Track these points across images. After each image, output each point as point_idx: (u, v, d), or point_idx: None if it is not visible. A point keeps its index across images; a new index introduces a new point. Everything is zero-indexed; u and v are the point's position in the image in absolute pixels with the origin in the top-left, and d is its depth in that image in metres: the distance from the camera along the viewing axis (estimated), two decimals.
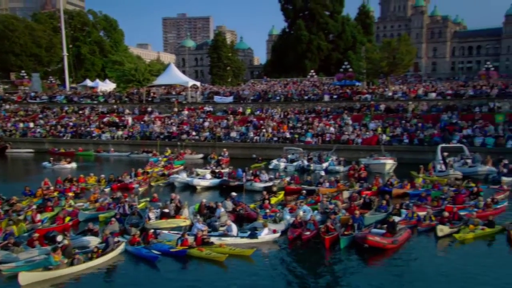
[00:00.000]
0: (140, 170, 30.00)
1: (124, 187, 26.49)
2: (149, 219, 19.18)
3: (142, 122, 48.30)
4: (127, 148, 44.35)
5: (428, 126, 38.11)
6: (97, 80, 74.74)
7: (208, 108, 49.97)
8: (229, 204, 20.91)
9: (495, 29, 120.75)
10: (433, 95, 44.35)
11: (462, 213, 19.28)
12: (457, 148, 32.80)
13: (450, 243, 17.02)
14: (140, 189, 27.02)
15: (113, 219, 18.42)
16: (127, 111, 51.98)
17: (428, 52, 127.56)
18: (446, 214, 18.68)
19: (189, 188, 27.56)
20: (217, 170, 30.35)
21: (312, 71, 77.80)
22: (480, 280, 13.76)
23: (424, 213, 19.27)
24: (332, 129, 40.21)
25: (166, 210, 19.81)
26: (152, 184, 28.57)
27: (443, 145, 32.92)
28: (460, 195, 22.07)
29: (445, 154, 31.30)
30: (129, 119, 49.06)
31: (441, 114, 40.03)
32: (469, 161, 30.80)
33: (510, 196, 23.80)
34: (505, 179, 27.38)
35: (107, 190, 26.15)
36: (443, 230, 17.47)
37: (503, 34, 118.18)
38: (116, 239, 16.31)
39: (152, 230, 17.32)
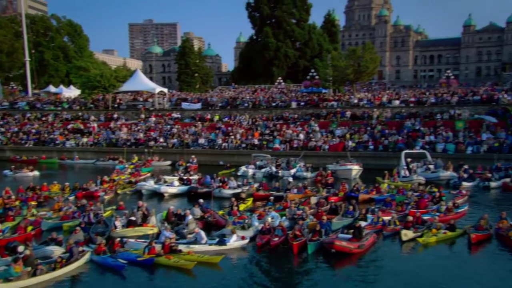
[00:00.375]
0: (106, 178, 29.42)
1: (89, 195, 25.90)
2: (115, 227, 18.82)
3: (108, 129, 47.43)
4: (93, 155, 43.41)
5: (392, 132, 39.10)
6: (61, 86, 73.02)
7: (175, 114, 49.61)
8: (198, 211, 20.81)
9: (455, 39, 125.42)
10: (397, 102, 45.63)
11: (425, 217, 19.86)
12: (420, 154, 33.80)
13: (414, 247, 17.47)
14: (106, 197, 26.50)
15: (78, 228, 17.99)
16: (92, 117, 50.94)
17: (392, 60, 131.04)
18: (410, 218, 19.19)
19: (157, 195, 27.24)
20: (185, 177, 30.13)
21: (279, 78, 78.56)
22: (442, 282, 14.17)
23: (389, 217, 19.75)
24: (301, 135, 40.66)
25: (133, 218, 19.52)
26: (119, 192, 28.09)
27: (407, 151, 33.82)
28: (423, 200, 22.74)
29: (409, 160, 32.22)
30: (95, 126, 48.07)
31: (404, 121, 41.18)
32: (431, 166, 31.80)
33: (470, 200, 24.72)
34: (465, 184, 28.47)
35: (72, 198, 25.52)
36: (407, 234, 17.94)
37: (462, 43, 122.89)
38: (81, 248, 15.95)
39: (118, 239, 17.02)
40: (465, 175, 29.86)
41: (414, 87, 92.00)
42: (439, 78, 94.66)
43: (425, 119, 41.14)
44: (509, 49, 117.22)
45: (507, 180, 28.45)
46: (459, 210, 21.66)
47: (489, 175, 29.33)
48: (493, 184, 28.38)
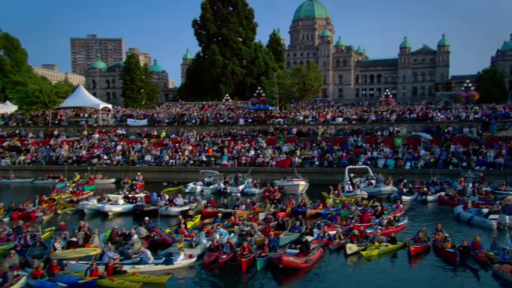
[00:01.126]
0: (45, 197, 28.16)
1: (26, 216, 24.60)
2: (55, 249, 17.93)
3: (47, 146, 45.41)
4: (31, 173, 41.38)
5: (336, 148, 40.28)
6: None
7: (120, 131, 48.45)
8: (143, 230, 20.28)
9: (392, 60, 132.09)
10: (340, 119, 47.23)
11: (368, 231, 20.53)
12: (363, 169, 35.08)
13: (358, 260, 17.96)
14: (44, 217, 25.23)
15: (13, 251, 16.97)
16: (30, 134, 48.65)
17: (335, 79, 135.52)
18: (354, 232, 19.76)
19: (100, 214, 26.33)
20: (130, 195, 29.35)
21: (227, 95, 78.97)
22: None
23: (334, 232, 20.22)
24: (252, 152, 40.91)
25: (74, 239, 18.71)
26: (59, 211, 26.90)
27: (350, 166, 34.97)
28: (366, 214, 23.52)
29: (352, 175, 33.28)
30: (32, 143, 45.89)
31: (347, 137, 42.62)
32: (373, 181, 33.04)
33: (409, 214, 25.85)
34: (404, 198, 29.79)
35: (6, 219, 24.04)
36: (351, 248, 18.44)
37: (398, 64, 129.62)
38: (15, 272, 15.00)
39: (57, 261, 16.21)
40: (405, 189, 31.27)
41: (356, 105, 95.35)
42: (379, 97, 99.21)
43: (367, 136, 42.82)
44: (441, 71, 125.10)
45: (442, 194, 30.11)
46: (400, 224, 22.57)
47: (426, 189, 30.95)
48: (429, 197, 29.95)
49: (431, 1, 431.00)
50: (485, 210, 23.68)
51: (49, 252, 17.79)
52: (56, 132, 48.70)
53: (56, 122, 51.87)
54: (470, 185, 31.23)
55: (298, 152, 40.14)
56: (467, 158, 36.53)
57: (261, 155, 40.28)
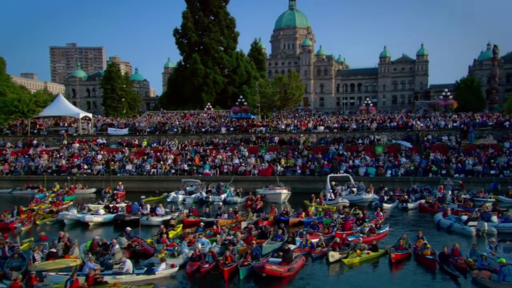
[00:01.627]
0: (23, 208, 27.61)
1: (4, 227, 24.04)
2: (34, 260, 17.58)
3: (26, 156, 44.61)
4: (9, 184, 40.50)
5: (318, 157, 40.56)
6: None
7: (101, 140, 47.94)
8: (124, 240, 20.08)
9: (373, 69, 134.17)
10: (322, 128, 47.61)
11: (350, 238, 20.70)
12: (344, 177, 35.40)
13: (340, 268, 18.07)
14: (23, 228, 24.77)
15: None
16: (9, 144, 47.76)
17: (316, 88, 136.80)
18: (337, 240, 19.90)
19: (81, 225, 26.00)
20: (111, 205, 29.00)
21: (208, 104, 78.89)
22: None
23: (316, 240, 20.32)
24: (236, 160, 40.89)
25: (54, 250, 18.39)
26: (38, 222, 26.44)
27: (332, 175, 35.25)
28: (348, 222, 23.72)
29: (333, 183, 33.53)
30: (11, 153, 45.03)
31: (329, 146, 42.96)
32: (354, 189, 33.36)
33: (390, 221, 26.16)
34: (386, 205, 30.14)
35: None
36: (334, 256, 18.56)
37: (379, 73, 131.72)
38: None
39: (36, 273, 15.90)
40: (386, 197, 31.65)
41: (337, 113, 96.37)
42: (360, 105, 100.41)
43: (348, 144, 43.25)
44: (420, 79, 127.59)
45: (422, 201, 30.58)
46: (381, 231, 22.82)
47: (406, 197, 31.39)
48: (410, 205, 30.36)
49: (410, 11, 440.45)
50: (464, 217, 24.11)
51: (28, 264, 17.43)
52: (35, 142, 47.95)
53: (35, 131, 51.05)
54: (450, 192, 31.76)
55: (282, 160, 40.29)
56: (446, 165, 37.20)
57: (243, 164, 40.30)
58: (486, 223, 22.83)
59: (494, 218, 23.52)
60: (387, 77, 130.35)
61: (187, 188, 35.83)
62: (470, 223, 23.28)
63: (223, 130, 48.92)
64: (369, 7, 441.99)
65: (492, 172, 35.71)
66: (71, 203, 31.88)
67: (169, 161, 41.50)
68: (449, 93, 59.93)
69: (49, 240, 19.95)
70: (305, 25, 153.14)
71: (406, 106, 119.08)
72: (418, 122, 46.36)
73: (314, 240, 20.31)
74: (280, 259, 17.41)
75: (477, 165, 36.64)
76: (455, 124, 45.30)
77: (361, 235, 21.44)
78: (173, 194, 34.46)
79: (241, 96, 60.66)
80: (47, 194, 34.46)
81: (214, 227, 22.73)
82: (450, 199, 30.36)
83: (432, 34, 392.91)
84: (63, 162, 42.59)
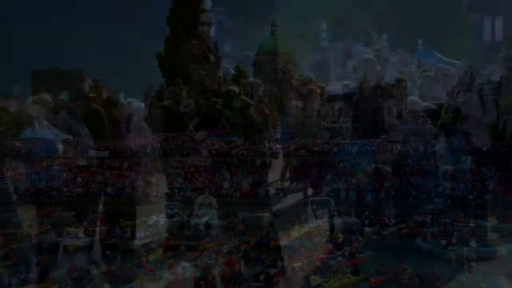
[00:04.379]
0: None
1: None
2: (9, 286, 17.17)
3: (4, 178, 43.69)
4: None
5: (300, 180, 40.65)
6: None
7: (81, 162, 47.34)
8: (103, 265, 19.74)
9: (353, 93, 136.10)
10: (303, 151, 47.88)
11: (331, 262, 20.73)
12: (325, 201, 35.52)
13: None
14: None
15: None
16: None
17: (298, 111, 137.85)
18: (318, 264, 19.91)
19: (59, 248, 25.36)
20: (91, 228, 28.53)
21: (191, 126, 78.76)
22: None
23: (298, 264, 20.30)
24: (226, 184, 40.61)
25: (31, 275, 17.98)
26: (14, 246, 25.76)
27: (312, 198, 35.38)
28: (329, 246, 23.78)
29: (314, 206, 33.66)
30: None
31: (311, 169, 43.20)
32: (335, 213, 33.50)
33: (371, 245, 26.25)
34: (366, 229, 30.32)
35: None
36: (315, 280, 18.57)
37: (359, 98, 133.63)
38: None
39: None
40: (366, 221, 31.84)
41: (318, 137, 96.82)
42: (341, 130, 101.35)
43: (329, 168, 43.53)
44: (400, 104, 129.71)
45: (403, 225, 30.86)
46: (362, 255, 22.93)
47: (387, 220, 31.65)
48: (390, 229, 30.59)
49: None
50: (444, 242, 24.42)
51: None
52: (14, 164, 47.08)
53: (14, 153, 50.22)
54: (430, 217, 32.14)
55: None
56: (426, 190, 37.72)
57: (224, 187, 40.20)
58: (465, 248, 23.11)
59: (473, 243, 23.88)
60: (367, 102, 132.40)
61: (168, 211, 35.48)
62: (450, 247, 23.58)
63: (205, 152, 48.83)
64: None
65: (471, 197, 36.29)
66: (49, 226, 31.22)
67: (150, 184, 41.13)
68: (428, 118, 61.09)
69: (25, 265, 19.46)
70: (286, 50, 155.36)
71: (386, 130, 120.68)
72: (398, 147, 47.03)
73: (296, 264, 20.28)
74: (261, 284, 17.34)
75: (456, 190, 37.21)
76: (434, 149, 46.02)
77: (342, 259, 21.49)
78: (154, 217, 34.05)
79: (223, 119, 60.94)
80: (25, 217, 33.69)
81: (195, 251, 22.53)
82: (430, 224, 30.61)
83: None
84: (42, 184, 41.87)
